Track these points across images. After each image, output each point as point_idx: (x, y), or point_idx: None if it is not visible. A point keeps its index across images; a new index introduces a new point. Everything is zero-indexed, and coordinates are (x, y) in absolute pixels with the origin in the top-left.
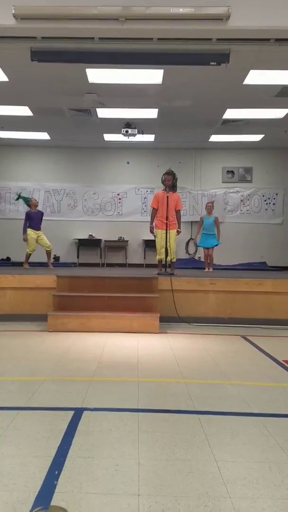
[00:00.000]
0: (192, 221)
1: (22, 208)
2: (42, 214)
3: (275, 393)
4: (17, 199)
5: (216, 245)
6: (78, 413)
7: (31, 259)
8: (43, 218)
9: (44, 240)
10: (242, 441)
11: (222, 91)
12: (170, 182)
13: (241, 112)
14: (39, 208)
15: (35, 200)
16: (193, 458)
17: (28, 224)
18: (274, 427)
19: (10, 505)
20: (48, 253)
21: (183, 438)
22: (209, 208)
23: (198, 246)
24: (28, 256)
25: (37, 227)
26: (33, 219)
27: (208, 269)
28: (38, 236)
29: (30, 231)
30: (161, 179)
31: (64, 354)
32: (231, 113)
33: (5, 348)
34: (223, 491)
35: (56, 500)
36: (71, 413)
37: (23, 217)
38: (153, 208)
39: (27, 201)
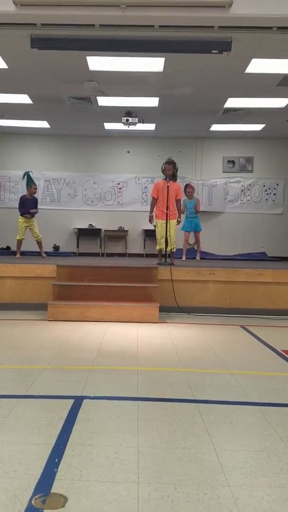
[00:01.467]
0: None
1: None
2: (36, 201)
3: (274, 383)
4: (24, 176)
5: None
6: (78, 401)
7: (28, 249)
8: (39, 207)
9: (34, 230)
10: (241, 430)
11: (224, 80)
12: (171, 172)
13: (242, 101)
14: (39, 198)
15: (35, 189)
16: (192, 446)
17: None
18: (273, 416)
19: (11, 492)
20: (39, 243)
21: (182, 427)
22: (190, 193)
23: (182, 230)
24: (19, 244)
25: (30, 216)
26: (27, 207)
27: (197, 257)
28: (29, 224)
29: (21, 218)
30: (161, 168)
31: (64, 343)
32: (232, 102)
33: (5, 337)
34: (222, 479)
35: (56, 488)
36: (71, 401)
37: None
38: (153, 197)
39: (30, 184)
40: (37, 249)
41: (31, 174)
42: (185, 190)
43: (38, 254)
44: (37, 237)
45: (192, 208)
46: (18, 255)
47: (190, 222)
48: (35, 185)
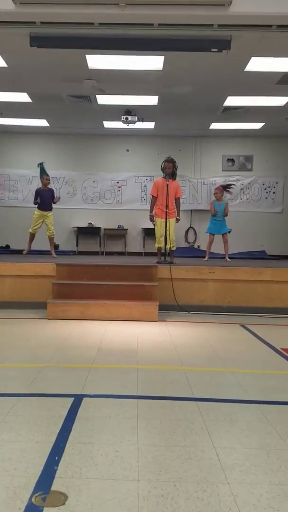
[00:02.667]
0: (192, 210)
1: (21, 196)
2: (52, 192)
3: (273, 381)
4: (38, 165)
5: (228, 232)
6: (78, 399)
7: (24, 247)
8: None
9: (49, 225)
10: (240, 428)
11: (223, 78)
12: (171, 170)
13: (242, 99)
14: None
15: (47, 179)
16: (191, 444)
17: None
18: (272, 414)
19: (11, 490)
20: (51, 240)
21: (182, 425)
22: (217, 194)
23: (207, 233)
24: (31, 237)
25: (45, 207)
26: (42, 198)
27: (226, 258)
28: (45, 218)
29: (36, 211)
30: (161, 167)
31: (63, 341)
32: (232, 101)
33: (5, 335)
34: (222, 477)
35: (56, 485)
36: (71, 399)
37: (22, 204)
38: (152, 196)
39: (42, 175)
40: (38, 247)
41: (44, 165)
42: (215, 192)
43: (39, 252)
44: (50, 234)
45: (222, 211)
46: (26, 251)
47: (215, 224)
48: (47, 175)
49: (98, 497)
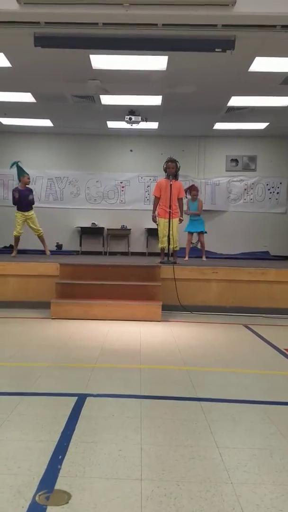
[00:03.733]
0: None
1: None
2: (31, 191)
3: (276, 381)
4: (12, 166)
5: (203, 232)
6: (81, 399)
7: (30, 247)
8: (42, 205)
9: (34, 224)
10: (243, 428)
11: (227, 78)
12: (174, 170)
13: (245, 99)
14: (42, 196)
15: (28, 178)
16: (195, 444)
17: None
18: (275, 414)
19: (15, 488)
20: (41, 238)
21: (185, 425)
22: (194, 195)
23: (185, 231)
24: (16, 240)
25: (26, 209)
26: (22, 198)
27: (202, 257)
28: (27, 218)
29: (17, 213)
30: (163, 167)
31: (67, 341)
32: (235, 101)
33: (8, 335)
34: (225, 477)
35: (60, 484)
36: (74, 399)
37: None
38: (155, 196)
39: (22, 174)
40: (40, 247)
41: (20, 164)
42: (189, 191)
43: (41, 252)
44: (38, 232)
45: (195, 210)
46: (14, 254)
47: (192, 223)
48: (27, 174)
49: (102, 496)
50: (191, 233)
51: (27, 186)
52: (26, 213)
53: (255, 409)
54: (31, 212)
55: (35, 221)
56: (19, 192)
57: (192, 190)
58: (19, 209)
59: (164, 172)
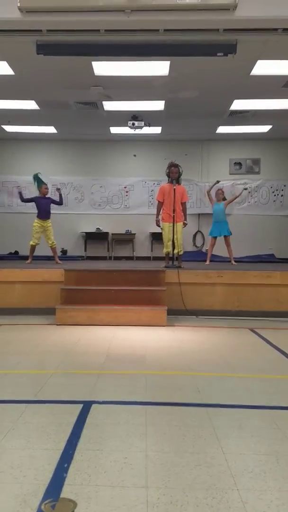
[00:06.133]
0: (199, 214)
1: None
2: (51, 201)
3: (282, 386)
4: (34, 179)
5: (228, 235)
6: (86, 406)
7: (38, 253)
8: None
9: (50, 235)
10: (249, 434)
11: (229, 82)
12: (177, 175)
13: (248, 103)
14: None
15: (46, 188)
16: (201, 450)
17: (36, 211)
18: (282, 420)
19: (20, 497)
20: (53, 250)
21: (191, 431)
22: (219, 194)
23: (210, 235)
24: (33, 249)
25: (44, 217)
26: (41, 206)
27: (231, 261)
28: (45, 229)
29: (36, 222)
30: (166, 172)
31: (72, 347)
32: (238, 104)
33: (13, 342)
34: (231, 483)
35: (65, 493)
36: (80, 406)
37: (31, 211)
38: (158, 201)
39: (40, 184)
40: (46, 253)
41: (39, 175)
42: (215, 194)
43: (47, 258)
44: (51, 244)
45: (220, 211)
46: (29, 260)
47: (217, 226)
48: (45, 184)
49: (108, 504)
50: (215, 237)
51: (46, 196)
52: (44, 223)
53: (262, 414)
54: (49, 223)
55: (51, 234)
56: (38, 201)
57: (219, 193)
58: (38, 216)
59: (167, 177)
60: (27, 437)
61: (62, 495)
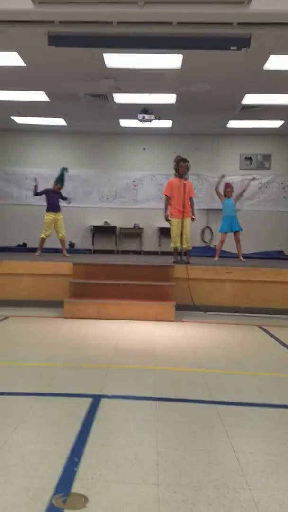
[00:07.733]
0: (207, 209)
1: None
2: (60, 196)
3: None
4: (61, 171)
5: (239, 231)
6: (96, 400)
7: (45, 245)
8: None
9: (61, 227)
10: (261, 433)
11: (242, 76)
12: (186, 169)
13: (260, 97)
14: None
15: (59, 188)
16: (211, 448)
17: (46, 204)
18: None
19: (31, 491)
20: (62, 242)
21: (201, 428)
22: (229, 191)
23: (220, 232)
24: (42, 241)
25: (56, 209)
26: (51, 199)
27: (239, 257)
28: (57, 221)
29: (48, 215)
30: (175, 166)
31: (81, 341)
32: (250, 99)
33: (22, 334)
34: (243, 483)
35: (76, 487)
36: (90, 400)
37: (39, 203)
38: (166, 196)
39: (60, 181)
40: (55, 246)
41: (65, 172)
42: (225, 189)
43: (55, 251)
44: (62, 237)
45: (231, 206)
46: (38, 253)
47: (227, 222)
48: (60, 185)
49: (118, 500)
50: (225, 233)
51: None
52: (55, 215)
53: (272, 413)
54: (61, 215)
55: (62, 226)
56: (49, 194)
57: (227, 187)
58: (50, 210)
59: (175, 171)
60: (37, 431)
61: (73, 489)
